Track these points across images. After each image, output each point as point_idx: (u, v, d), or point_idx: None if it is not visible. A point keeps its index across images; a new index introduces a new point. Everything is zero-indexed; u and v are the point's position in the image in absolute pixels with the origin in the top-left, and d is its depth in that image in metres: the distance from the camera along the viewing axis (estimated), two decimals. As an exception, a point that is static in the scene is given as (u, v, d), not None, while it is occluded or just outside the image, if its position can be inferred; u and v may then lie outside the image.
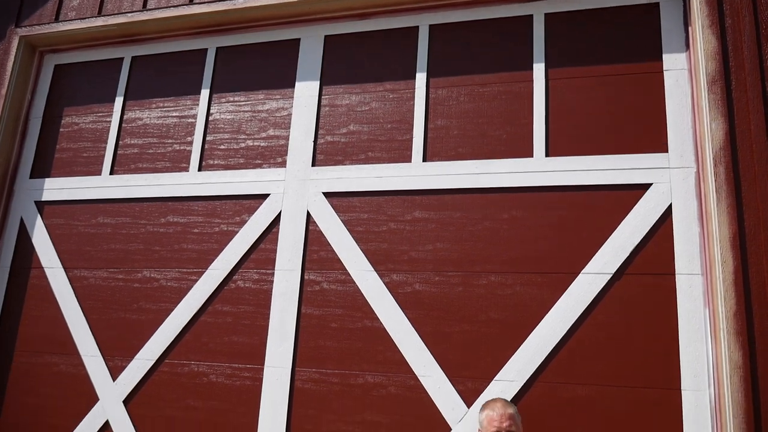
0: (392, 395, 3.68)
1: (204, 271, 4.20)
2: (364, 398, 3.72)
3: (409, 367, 3.67)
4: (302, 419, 3.79)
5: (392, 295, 3.80)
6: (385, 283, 3.84)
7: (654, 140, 3.62)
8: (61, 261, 4.58)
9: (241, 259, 4.15)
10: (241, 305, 4.08)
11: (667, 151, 3.56)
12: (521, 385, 3.46)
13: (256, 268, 4.12)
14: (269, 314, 4.00)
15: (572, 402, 3.38)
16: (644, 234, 3.49)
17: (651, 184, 3.54)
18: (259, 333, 4.00)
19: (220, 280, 4.15)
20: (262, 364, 3.93)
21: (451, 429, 3.51)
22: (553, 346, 3.47)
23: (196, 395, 4.03)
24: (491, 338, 3.59)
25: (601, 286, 3.47)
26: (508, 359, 3.52)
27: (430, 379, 3.62)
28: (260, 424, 3.84)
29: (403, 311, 3.76)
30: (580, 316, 3.47)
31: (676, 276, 3.39)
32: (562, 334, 3.47)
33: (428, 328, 3.71)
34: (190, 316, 4.14)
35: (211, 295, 4.15)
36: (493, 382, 3.51)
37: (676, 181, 3.51)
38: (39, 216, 4.73)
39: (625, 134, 3.67)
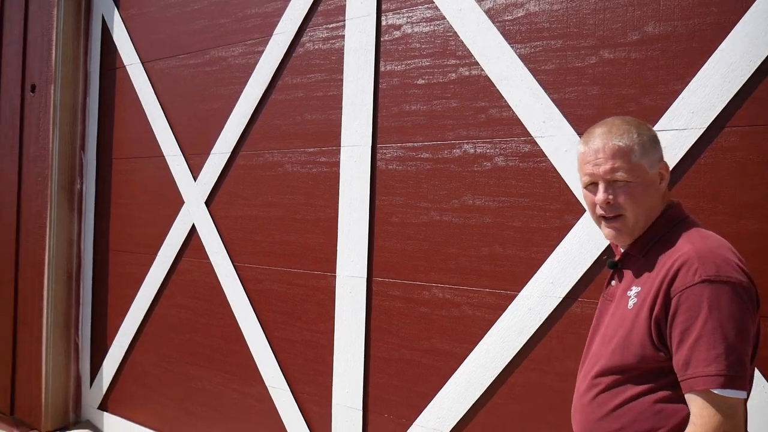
0: (500, 169, 2.58)
1: (269, 39, 3.33)
2: (463, 176, 2.67)
3: (523, 127, 2.51)
4: (388, 210, 2.88)
5: (497, 26, 2.59)
6: (486, 11, 2.62)
7: None
8: (138, 55, 4.02)
9: (307, 13, 3.18)
10: (312, 73, 3.17)
11: None
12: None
13: (325, 23, 3.13)
14: (342, 79, 3.04)
15: None
16: None
17: None
18: (332, 105, 3.08)
19: (287, 46, 3.25)
20: (338, 144, 3.04)
21: (582, 214, 2.35)
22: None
23: (273, 190, 3.31)
24: (650, 66, 2.25)
25: None
26: (674, 100, 2.18)
27: (552, 141, 2.43)
28: (340, 218, 3.02)
29: (511, 47, 2.54)
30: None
31: None
32: None
33: (550, 65, 2.46)
34: (260, 95, 3.35)
35: (279, 66, 3.28)
36: (651, 135, 2.21)
37: None
38: (116, 10, 4.18)
39: None
